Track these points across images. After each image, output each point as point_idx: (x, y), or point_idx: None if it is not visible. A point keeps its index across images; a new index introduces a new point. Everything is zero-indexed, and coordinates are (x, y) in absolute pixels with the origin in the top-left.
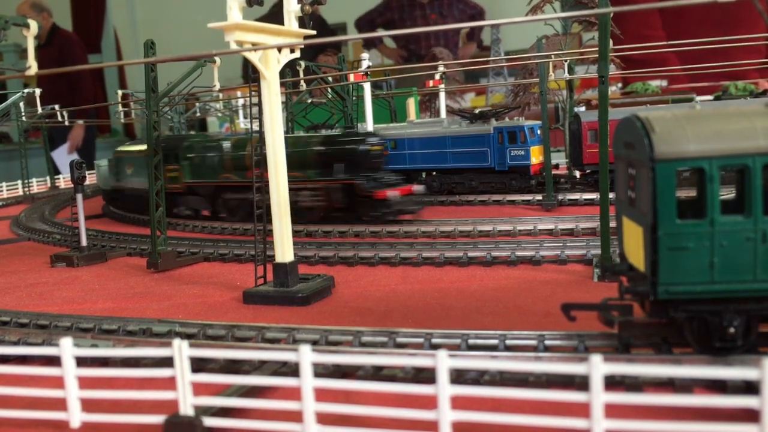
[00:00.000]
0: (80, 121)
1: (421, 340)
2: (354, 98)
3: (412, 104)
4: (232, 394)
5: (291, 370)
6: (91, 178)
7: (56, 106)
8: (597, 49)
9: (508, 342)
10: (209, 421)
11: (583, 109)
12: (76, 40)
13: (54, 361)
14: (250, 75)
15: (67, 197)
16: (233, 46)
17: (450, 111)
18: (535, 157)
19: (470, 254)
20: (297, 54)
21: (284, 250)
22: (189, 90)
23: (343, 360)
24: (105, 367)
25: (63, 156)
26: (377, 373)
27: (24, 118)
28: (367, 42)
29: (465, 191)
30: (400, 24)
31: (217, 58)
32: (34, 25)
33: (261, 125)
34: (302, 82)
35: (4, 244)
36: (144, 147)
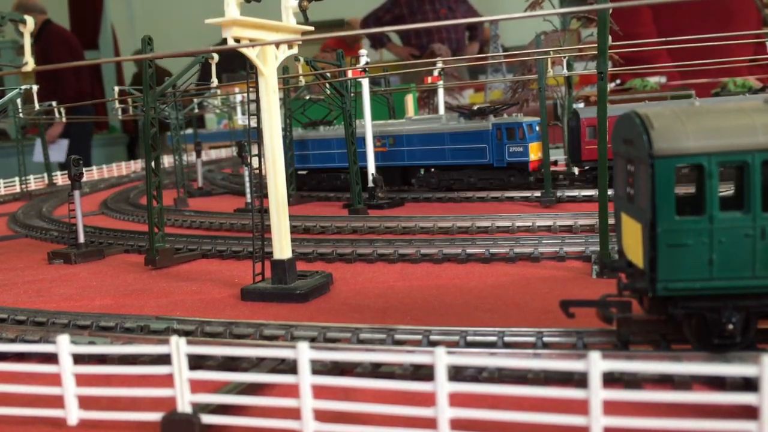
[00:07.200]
0: (63, 120)
1: (419, 336)
2: (352, 94)
3: (410, 101)
4: (230, 391)
5: (289, 367)
6: (88, 175)
7: (54, 103)
8: (596, 45)
9: (507, 339)
10: (207, 419)
11: (581, 105)
12: (61, 39)
13: (51, 358)
14: (248, 71)
15: (64, 194)
16: (231, 42)
17: (448, 107)
18: (534, 153)
19: (469, 251)
20: (295, 50)
21: (282, 246)
22: (187, 85)
23: (341, 357)
24: (102, 364)
25: (37, 149)
26: (375, 370)
27: (21, 115)
28: (374, 41)
29: (463, 188)
30: (410, 20)
31: (214, 54)
32: (30, 21)
33: (259, 122)
34: (301, 78)
35: (1, 241)
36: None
